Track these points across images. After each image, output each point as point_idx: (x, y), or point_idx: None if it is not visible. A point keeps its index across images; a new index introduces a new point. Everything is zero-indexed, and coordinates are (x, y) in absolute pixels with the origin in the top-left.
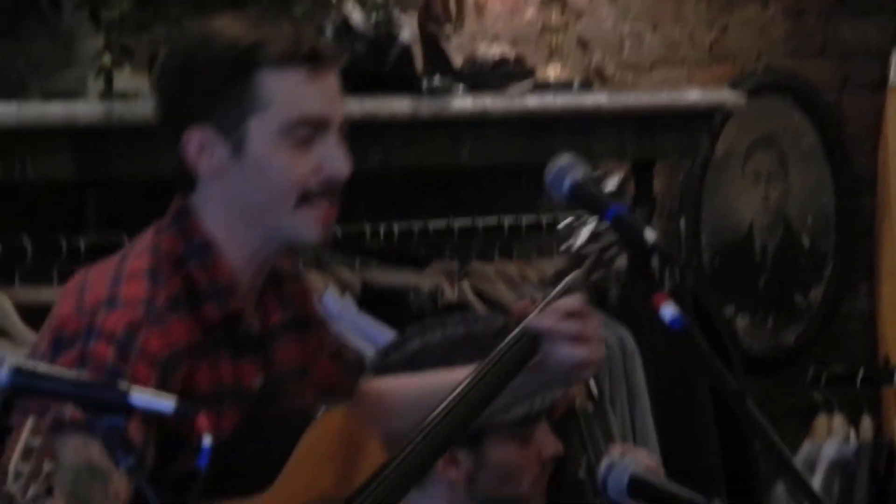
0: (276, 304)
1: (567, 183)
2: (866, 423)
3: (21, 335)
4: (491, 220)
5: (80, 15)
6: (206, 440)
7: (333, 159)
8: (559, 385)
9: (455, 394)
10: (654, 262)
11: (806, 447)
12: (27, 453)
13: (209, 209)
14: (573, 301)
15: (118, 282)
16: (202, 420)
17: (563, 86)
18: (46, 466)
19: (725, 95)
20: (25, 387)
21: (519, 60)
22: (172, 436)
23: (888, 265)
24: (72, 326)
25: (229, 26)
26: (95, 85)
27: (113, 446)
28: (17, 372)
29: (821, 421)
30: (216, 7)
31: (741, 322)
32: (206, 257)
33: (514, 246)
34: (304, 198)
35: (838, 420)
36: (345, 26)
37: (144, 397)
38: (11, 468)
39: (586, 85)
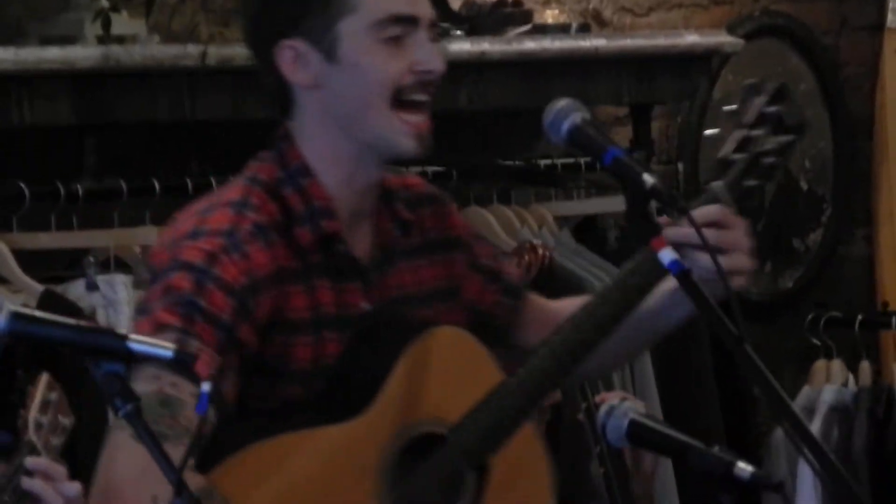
0: (393, 226)
1: (565, 126)
2: (865, 367)
3: (19, 281)
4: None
5: None
6: (205, 387)
7: (426, 55)
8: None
9: (586, 309)
10: (653, 206)
11: (805, 392)
12: (45, 406)
13: (307, 127)
14: (713, 209)
15: (206, 214)
16: (201, 365)
17: (561, 29)
18: (63, 420)
19: (723, 39)
20: (23, 332)
21: (517, 3)
22: (269, 361)
23: (885, 209)
24: (159, 259)
25: None
26: (93, 29)
27: (112, 393)
28: (15, 317)
29: (819, 365)
30: None
31: None
32: (301, 181)
33: (512, 190)
34: (399, 95)
35: (837, 365)
36: None
37: (143, 344)
38: (31, 419)
39: (584, 28)
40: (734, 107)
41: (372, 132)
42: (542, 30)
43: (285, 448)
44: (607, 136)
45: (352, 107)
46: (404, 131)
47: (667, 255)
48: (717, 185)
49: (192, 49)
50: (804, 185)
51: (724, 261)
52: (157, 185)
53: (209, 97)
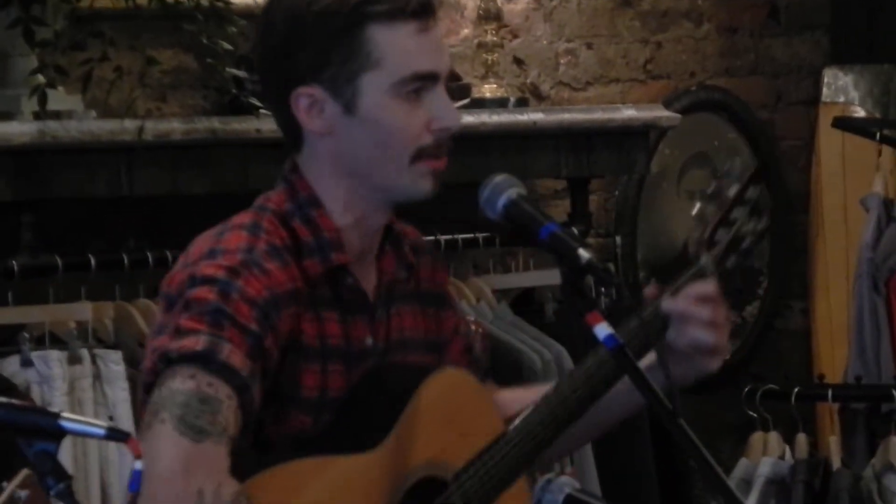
0: (398, 267)
1: (501, 202)
2: (801, 440)
3: None
4: (428, 237)
5: (14, 34)
6: (137, 465)
7: (444, 112)
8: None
9: (578, 373)
10: (590, 280)
11: (742, 464)
12: (11, 502)
13: (315, 167)
14: (707, 286)
15: (220, 236)
16: (133, 444)
17: (499, 103)
18: None
19: (660, 113)
20: None
21: (455, 78)
22: (281, 384)
23: (821, 282)
24: (176, 280)
25: None
26: (29, 104)
27: (43, 471)
28: None
29: (756, 438)
30: (149, 26)
31: None
32: (310, 213)
33: (451, 263)
34: (418, 153)
35: (774, 437)
36: None
37: (76, 423)
38: None
39: (522, 102)
40: (712, 188)
41: (386, 182)
42: (480, 104)
43: (300, 475)
44: (543, 212)
45: (368, 159)
46: (422, 177)
47: (602, 331)
48: (706, 261)
49: (130, 124)
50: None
51: (710, 336)
52: (92, 261)
53: (146, 172)
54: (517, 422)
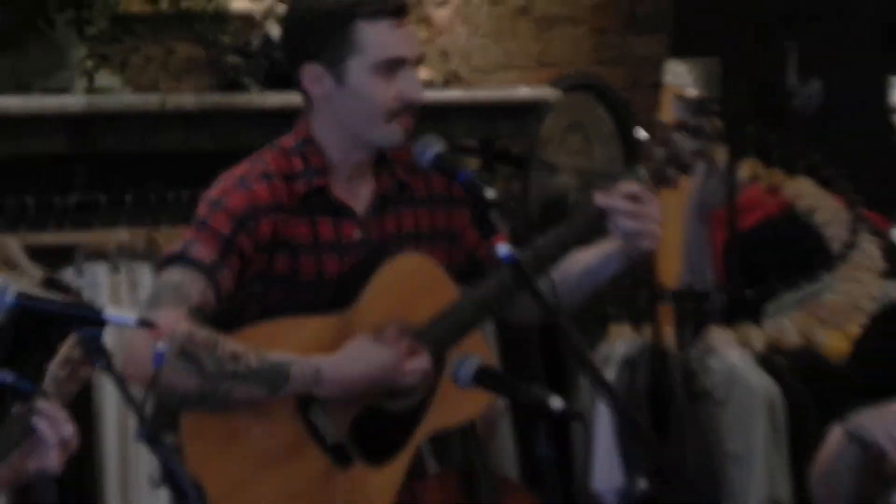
0: (392, 184)
1: (429, 153)
2: (647, 330)
3: (26, 267)
4: None
5: (69, 30)
6: (160, 346)
7: (410, 86)
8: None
9: (528, 250)
10: (496, 213)
11: (603, 348)
12: (65, 361)
13: (318, 119)
14: (633, 186)
15: (234, 167)
16: (156, 331)
17: (428, 85)
18: (83, 372)
19: (547, 92)
20: (26, 307)
21: None
22: (280, 273)
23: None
24: (200, 202)
25: None
26: (81, 83)
27: (90, 350)
28: (19, 296)
29: (614, 328)
30: (168, 27)
31: None
32: (304, 148)
33: None
34: (391, 115)
35: (627, 327)
36: (267, 40)
37: (115, 314)
38: (50, 371)
39: (446, 84)
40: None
41: (368, 136)
42: None
43: (282, 327)
44: (461, 162)
45: (355, 120)
46: (394, 133)
47: (503, 249)
48: (640, 168)
49: (155, 98)
50: None
51: (635, 224)
52: (127, 199)
53: (167, 134)
54: (477, 286)
